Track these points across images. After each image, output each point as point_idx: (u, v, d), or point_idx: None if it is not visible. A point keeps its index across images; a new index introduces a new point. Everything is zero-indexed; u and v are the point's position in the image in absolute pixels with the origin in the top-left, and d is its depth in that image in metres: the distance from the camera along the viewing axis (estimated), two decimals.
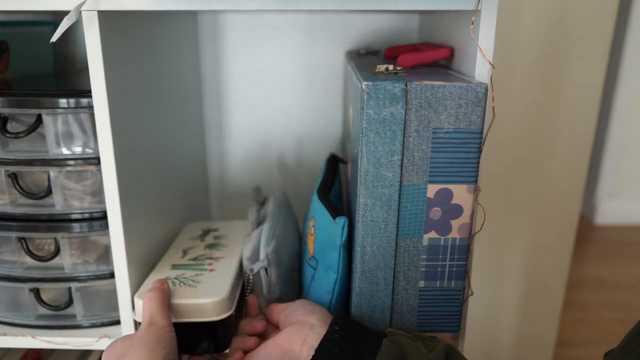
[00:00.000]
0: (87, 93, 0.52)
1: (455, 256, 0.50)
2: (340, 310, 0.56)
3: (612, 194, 2.49)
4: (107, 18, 0.49)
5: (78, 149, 0.56)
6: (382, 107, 0.45)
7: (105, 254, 0.60)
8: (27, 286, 0.60)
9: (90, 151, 0.56)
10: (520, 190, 1.08)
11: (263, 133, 0.88)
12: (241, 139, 0.89)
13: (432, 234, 0.49)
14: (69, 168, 0.56)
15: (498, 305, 1.17)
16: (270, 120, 0.88)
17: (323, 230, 0.56)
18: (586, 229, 2.44)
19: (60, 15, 0.46)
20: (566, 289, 1.17)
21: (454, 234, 0.49)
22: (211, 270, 0.60)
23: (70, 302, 0.60)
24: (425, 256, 0.50)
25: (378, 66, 0.52)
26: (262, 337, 0.56)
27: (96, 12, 0.47)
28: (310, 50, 0.84)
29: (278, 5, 0.48)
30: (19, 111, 0.54)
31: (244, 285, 0.61)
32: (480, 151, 0.47)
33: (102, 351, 0.74)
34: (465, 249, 0.50)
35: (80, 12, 0.47)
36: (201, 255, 0.64)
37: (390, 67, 0.51)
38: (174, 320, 0.52)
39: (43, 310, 0.61)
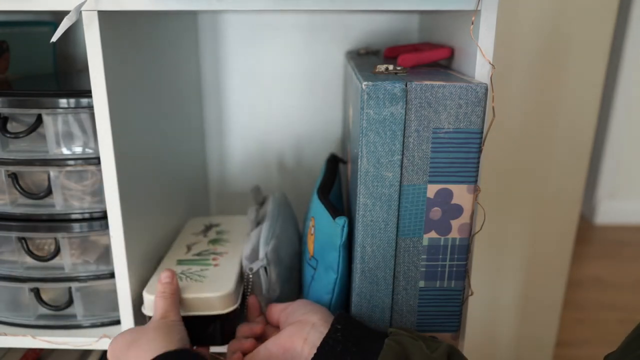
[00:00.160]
0: (87, 93, 0.52)
1: (455, 256, 0.50)
2: (340, 310, 0.56)
3: (612, 194, 2.49)
4: (107, 18, 0.49)
5: (78, 149, 0.56)
6: (382, 107, 0.45)
7: (105, 254, 0.60)
8: (27, 286, 0.60)
9: (90, 151, 0.56)
10: (520, 190, 1.08)
11: (263, 133, 0.88)
12: (241, 139, 0.89)
13: (432, 234, 0.49)
14: (69, 168, 0.56)
15: (498, 305, 1.17)
16: (270, 120, 0.88)
17: (323, 230, 0.56)
18: (586, 229, 2.44)
19: (60, 15, 0.46)
20: (566, 289, 1.17)
21: (454, 234, 0.49)
22: (216, 265, 0.62)
23: (70, 302, 0.60)
24: (425, 256, 0.50)
25: (378, 66, 0.52)
26: (260, 339, 0.56)
27: (96, 12, 0.47)
28: (310, 50, 0.84)
29: (278, 5, 0.48)
30: (19, 111, 0.54)
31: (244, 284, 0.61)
32: (480, 151, 0.47)
33: (102, 351, 0.74)
34: (465, 249, 0.50)
35: (80, 12, 0.47)
36: (205, 250, 0.66)
37: (390, 67, 0.51)
38: (183, 314, 0.54)
39: (43, 310, 0.61)
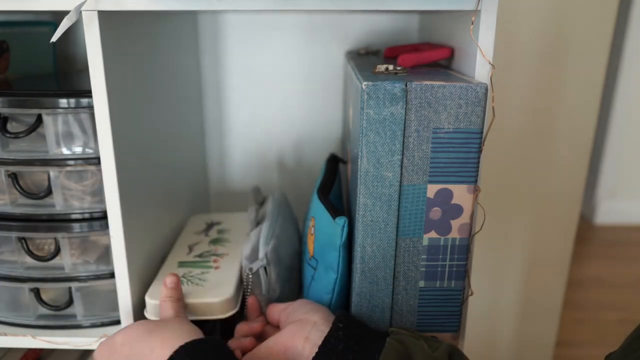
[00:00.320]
0: (87, 93, 0.52)
1: (455, 256, 0.50)
2: (340, 310, 0.56)
3: (612, 194, 2.49)
4: (107, 18, 0.49)
5: (78, 149, 0.56)
6: (382, 107, 0.45)
7: (105, 254, 0.60)
8: (27, 286, 0.60)
9: (90, 151, 0.56)
10: (520, 190, 1.08)
11: (263, 133, 0.88)
12: (241, 139, 0.89)
13: (432, 234, 0.49)
14: (69, 168, 0.56)
15: (498, 305, 1.17)
16: (270, 120, 0.88)
17: (323, 230, 0.56)
18: (586, 229, 2.44)
19: (60, 15, 0.46)
20: (566, 289, 1.17)
21: (454, 234, 0.49)
22: (216, 267, 0.62)
23: (70, 302, 0.60)
24: (425, 256, 0.50)
25: (378, 66, 0.52)
26: (260, 338, 0.56)
27: (96, 12, 0.47)
28: (310, 50, 0.84)
29: (278, 5, 0.48)
30: (19, 111, 0.54)
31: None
32: (480, 151, 0.47)
33: None
34: (465, 249, 0.50)
35: (80, 12, 0.47)
36: (206, 251, 0.67)
37: (390, 67, 0.51)
38: None
39: (43, 310, 0.61)
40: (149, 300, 0.56)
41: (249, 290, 0.60)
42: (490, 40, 0.47)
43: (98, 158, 0.53)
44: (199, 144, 0.87)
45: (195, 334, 0.48)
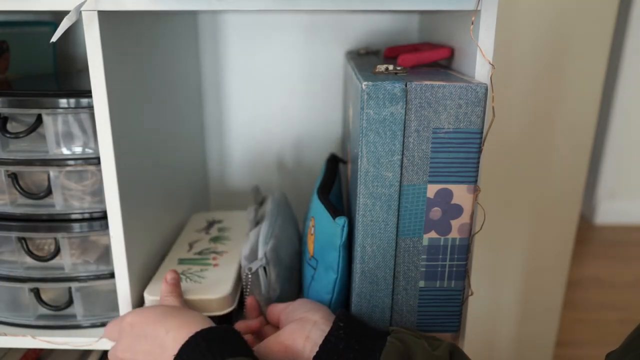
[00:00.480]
0: (87, 93, 0.52)
1: (455, 256, 0.50)
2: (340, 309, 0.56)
3: (612, 194, 2.49)
4: (107, 18, 0.49)
5: (78, 149, 0.56)
6: (382, 107, 0.45)
7: (105, 254, 0.60)
8: (27, 286, 0.60)
9: (90, 151, 0.56)
10: (520, 190, 1.08)
11: (263, 133, 0.88)
12: (241, 139, 0.89)
13: (432, 234, 0.49)
14: (69, 168, 0.56)
15: (498, 305, 1.17)
16: (270, 120, 0.88)
17: (323, 230, 0.56)
18: (586, 229, 2.44)
19: (60, 15, 0.46)
20: (566, 289, 1.17)
21: (454, 234, 0.49)
22: (215, 265, 0.63)
23: (70, 302, 0.60)
24: (425, 256, 0.50)
25: (378, 66, 0.52)
26: (258, 336, 0.56)
27: (96, 12, 0.47)
28: (310, 50, 0.84)
29: (278, 5, 0.48)
30: (19, 111, 0.54)
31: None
32: (480, 151, 0.47)
33: (102, 351, 0.74)
34: (465, 249, 0.50)
35: (80, 12, 0.47)
36: (206, 249, 0.67)
37: (390, 67, 0.51)
38: None
39: (43, 310, 0.61)
40: (148, 297, 0.57)
41: (247, 290, 0.60)
42: (490, 40, 0.47)
43: (98, 158, 0.53)
44: (199, 144, 0.87)
45: (210, 322, 0.48)
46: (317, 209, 0.58)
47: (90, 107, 0.53)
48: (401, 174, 0.47)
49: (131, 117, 0.56)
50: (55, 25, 0.73)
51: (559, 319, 1.19)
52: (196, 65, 0.84)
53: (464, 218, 0.48)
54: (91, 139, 0.55)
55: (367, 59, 0.68)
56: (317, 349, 0.45)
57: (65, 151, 0.56)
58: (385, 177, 0.47)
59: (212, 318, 0.56)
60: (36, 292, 0.60)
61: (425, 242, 0.49)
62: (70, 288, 0.60)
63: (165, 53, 0.68)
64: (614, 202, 2.50)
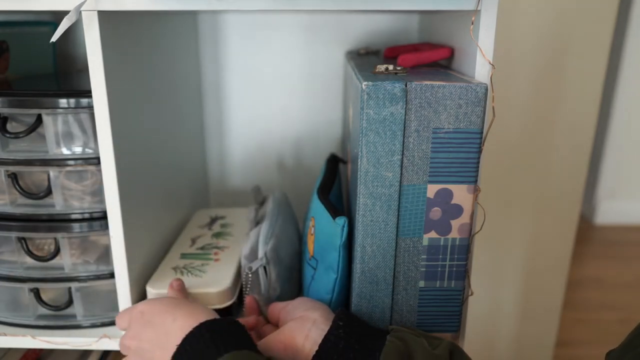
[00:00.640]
0: (87, 93, 0.52)
1: (455, 256, 0.50)
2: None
3: (612, 194, 2.49)
4: (107, 18, 0.49)
5: (78, 149, 0.56)
6: (382, 107, 0.45)
7: (105, 254, 0.60)
8: (27, 286, 0.60)
9: (90, 151, 0.56)
10: (520, 190, 1.08)
11: (263, 133, 0.88)
12: (241, 139, 0.89)
13: (432, 234, 0.49)
14: (69, 168, 0.56)
15: (498, 305, 1.17)
16: (270, 120, 0.88)
17: (323, 230, 0.56)
18: (586, 229, 2.44)
19: (60, 15, 0.46)
20: (566, 289, 1.17)
21: (454, 234, 0.49)
22: (216, 260, 0.64)
23: (70, 302, 0.60)
24: (425, 256, 0.50)
25: (378, 66, 0.52)
26: (257, 333, 0.56)
27: (96, 12, 0.47)
28: (310, 50, 0.84)
29: (278, 5, 0.48)
30: (19, 111, 0.54)
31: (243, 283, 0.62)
32: (480, 151, 0.47)
33: (102, 351, 0.74)
34: (465, 249, 0.50)
35: (80, 12, 0.47)
36: (208, 244, 0.69)
37: (390, 67, 0.51)
38: None
39: (43, 310, 0.61)
40: (151, 290, 0.58)
41: (247, 289, 0.60)
42: (490, 40, 0.47)
43: (98, 158, 0.53)
44: (199, 144, 0.87)
45: (216, 315, 0.49)
46: (317, 209, 0.58)
47: (90, 107, 0.53)
48: (401, 174, 0.47)
49: (131, 117, 0.56)
50: (55, 25, 0.73)
51: (559, 319, 1.19)
52: (196, 65, 0.83)
53: (464, 218, 0.48)
54: (91, 139, 0.55)
55: (367, 59, 0.68)
56: (316, 347, 0.45)
57: (65, 151, 0.56)
58: (385, 177, 0.47)
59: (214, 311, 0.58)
60: (36, 292, 0.60)
61: (425, 242, 0.49)
62: (70, 288, 0.60)
63: (165, 53, 0.68)
64: (614, 202, 2.50)
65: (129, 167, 0.56)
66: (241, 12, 0.83)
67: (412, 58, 0.56)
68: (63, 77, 0.72)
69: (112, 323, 0.61)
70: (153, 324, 0.48)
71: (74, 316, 0.61)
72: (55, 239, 0.58)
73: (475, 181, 0.48)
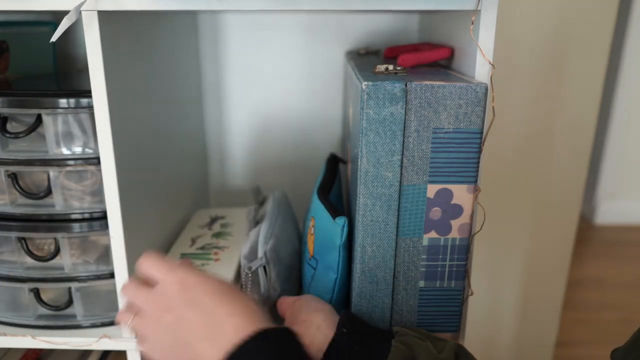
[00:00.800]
0: (87, 93, 0.52)
1: (455, 256, 0.50)
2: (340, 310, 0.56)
3: (612, 194, 2.49)
4: (107, 18, 0.49)
5: (78, 149, 0.56)
6: (382, 107, 0.45)
7: (105, 254, 0.60)
8: (27, 286, 0.60)
9: (90, 151, 0.56)
10: (520, 190, 1.08)
11: (263, 133, 0.88)
12: (241, 139, 0.89)
13: (432, 234, 0.49)
14: (69, 168, 0.56)
15: (498, 305, 1.17)
16: (270, 120, 0.88)
17: (323, 230, 0.56)
18: (586, 229, 2.44)
19: (60, 15, 0.46)
20: (566, 289, 1.17)
21: (454, 234, 0.49)
22: (216, 260, 0.65)
23: (70, 302, 0.60)
24: (425, 256, 0.50)
25: (378, 66, 0.52)
26: None
27: (96, 12, 0.47)
28: (310, 50, 0.84)
29: (278, 5, 0.48)
30: (19, 111, 0.54)
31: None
32: (480, 151, 0.47)
33: (102, 351, 0.74)
34: (465, 249, 0.50)
35: (80, 12, 0.47)
36: (208, 244, 0.69)
37: (390, 67, 0.51)
38: None
39: (43, 310, 0.61)
40: None
41: (247, 289, 0.60)
42: (490, 40, 0.47)
43: (98, 158, 0.53)
44: (199, 144, 0.87)
45: (267, 318, 0.44)
46: (317, 209, 0.58)
47: (90, 107, 0.53)
48: (401, 174, 0.47)
49: (131, 117, 0.56)
50: (55, 25, 0.73)
51: (559, 319, 1.19)
52: (196, 65, 0.83)
53: (464, 218, 0.48)
54: (91, 139, 0.55)
55: (367, 59, 0.68)
56: (320, 355, 0.44)
57: (65, 151, 0.56)
58: (385, 177, 0.47)
59: None
60: (36, 292, 0.60)
61: (425, 242, 0.49)
62: (70, 288, 0.60)
63: (165, 53, 0.67)
64: (614, 202, 2.50)
65: (129, 167, 0.56)
66: (241, 12, 0.83)
67: (412, 58, 0.56)
68: (63, 77, 0.72)
69: (112, 323, 0.61)
70: (200, 307, 0.42)
71: (74, 316, 0.61)
72: (55, 239, 0.58)
73: (475, 181, 0.48)
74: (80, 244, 0.59)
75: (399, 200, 0.48)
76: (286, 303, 0.54)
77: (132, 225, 0.56)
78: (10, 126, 0.55)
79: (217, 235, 0.72)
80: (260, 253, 0.60)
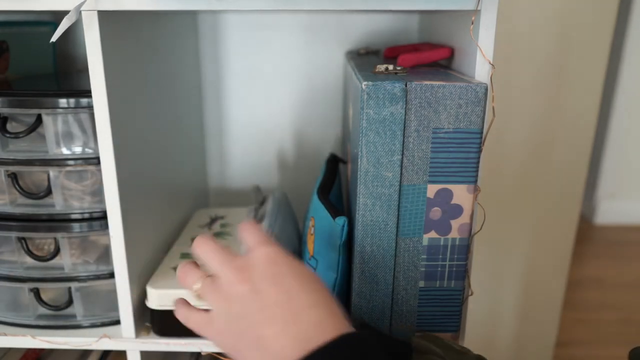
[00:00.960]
0: (87, 93, 0.52)
1: (455, 256, 0.50)
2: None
3: (612, 194, 2.49)
4: (107, 18, 0.49)
5: (78, 149, 0.56)
6: (382, 107, 0.45)
7: (105, 254, 0.60)
8: (27, 286, 0.60)
9: (90, 151, 0.56)
10: (520, 190, 1.08)
11: (263, 133, 0.88)
12: (241, 139, 0.89)
13: (432, 234, 0.49)
14: (69, 168, 0.56)
15: (498, 305, 1.17)
16: (270, 120, 0.88)
17: (323, 230, 0.56)
18: (586, 229, 2.44)
19: (60, 15, 0.46)
20: (566, 289, 1.17)
21: (454, 234, 0.49)
22: None
23: (70, 302, 0.60)
24: (425, 256, 0.50)
25: (378, 66, 0.52)
26: None
27: (96, 12, 0.47)
28: (310, 50, 0.84)
29: (278, 5, 0.48)
30: (19, 111, 0.54)
31: None
32: (480, 151, 0.47)
33: (102, 351, 0.74)
34: (465, 249, 0.50)
35: (80, 12, 0.47)
36: None
37: (390, 67, 0.51)
38: None
39: (43, 310, 0.61)
40: (151, 290, 0.57)
41: None
42: (490, 40, 0.47)
43: (98, 158, 0.53)
44: (199, 144, 0.87)
45: (347, 319, 0.38)
46: (317, 209, 0.58)
47: (90, 107, 0.53)
48: (401, 174, 0.47)
49: (131, 117, 0.56)
50: (55, 25, 0.73)
51: (559, 319, 1.19)
52: (196, 65, 0.83)
53: (464, 218, 0.48)
54: (91, 139, 0.55)
55: (367, 59, 0.68)
56: None
57: (65, 151, 0.56)
58: (385, 177, 0.47)
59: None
60: (36, 292, 0.60)
61: (425, 242, 0.49)
62: (70, 288, 0.60)
63: (165, 53, 0.68)
64: (614, 202, 2.50)
65: (129, 167, 0.56)
66: (241, 12, 0.83)
67: (412, 58, 0.56)
68: (63, 77, 0.72)
69: (112, 323, 0.61)
70: (283, 286, 0.37)
71: (74, 316, 0.61)
72: (55, 238, 0.58)
73: (475, 181, 0.48)
74: (80, 244, 0.59)
75: (399, 200, 0.48)
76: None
77: (132, 225, 0.56)
78: (10, 126, 0.55)
79: (217, 235, 0.72)
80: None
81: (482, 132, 0.46)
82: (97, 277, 0.60)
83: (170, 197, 0.71)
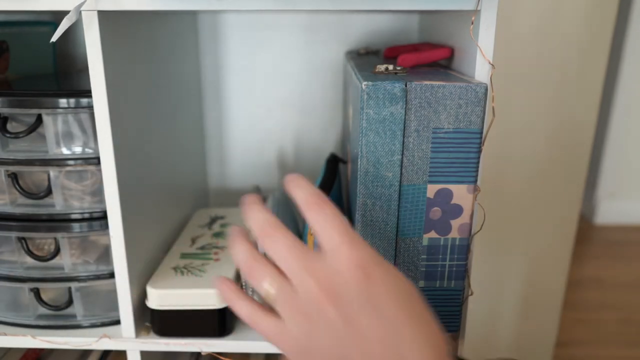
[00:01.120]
0: (87, 93, 0.52)
1: (455, 256, 0.50)
2: None
3: (612, 194, 2.49)
4: (107, 18, 0.49)
5: (78, 149, 0.56)
6: (382, 107, 0.45)
7: (105, 254, 0.60)
8: (27, 286, 0.60)
9: (90, 151, 0.56)
10: (520, 190, 1.08)
11: (263, 133, 0.88)
12: (241, 139, 0.89)
13: (432, 234, 0.49)
14: (69, 168, 0.56)
15: (498, 305, 1.17)
16: (270, 120, 0.88)
17: None
18: (586, 229, 2.44)
19: (60, 15, 0.46)
20: (566, 289, 1.17)
21: (454, 234, 0.49)
22: (216, 260, 0.65)
23: (70, 302, 0.60)
24: (425, 256, 0.50)
25: (378, 66, 0.52)
26: None
27: (96, 12, 0.47)
28: (310, 50, 0.84)
29: (278, 5, 0.48)
30: (19, 111, 0.54)
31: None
32: (480, 151, 0.47)
33: (102, 351, 0.74)
34: (465, 249, 0.50)
35: (80, 12, 0.47)
36: (208, 244, 0.69)
37: (390, 67, 0.51)
38: (181, 307, 0.57)
39: (43, 310, 0.61)
40: (151, 290, 0.57)
41: (247, 289, 0.60)
42: (490, 40, 0.47)
43: (98, 158, 0.53)
44: (199, 144, 0.87)
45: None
46: None
47: (90, 107, 0.53)
48: (401, 174, 0.47)
49: (131, 117, 0.56)
50: (55, 25, 0.73)
51: (559, 319, 1.19)
52: (196, 65, 0.83)
53: (464, 218, 0.48)
54: (91, 139, 0.55)
55: (367, 59, 0.68)
56: None
57: (65, 151, 0.56)
58: (385, 177, 0.47)
59: (211, 311, 0.58)
60: (36, 292, 0.60)
61: (425, 242, 0.49)
62: (70, 288, 0.60)
63: (165, 53, 0.68)
64: (614, 202, 2.50)
65: (129, 167, 0.56)
66: (241, 12, 0.83)
67: (412, 58, 0.56)
68: (63, 77, 0.72)
69: (112, 323, 0.61)
70: (385, 322, 0.31)
71: (74, 316, 0.61)
72: (55, 238, 0.58)
73: (475, 181, 0.48)
74: (80, 244, 0.59)
75: (398, 200, 0.48)
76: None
77: (132, 225, 0.56)
78: (10, 126, 0.55)
79: (217, 235, 0.72)
80: (260, 252, 0.60)
81: (482, 132, 0.46)
82: (97, 277, 0.60)
83: (170, 197, 0.71)
